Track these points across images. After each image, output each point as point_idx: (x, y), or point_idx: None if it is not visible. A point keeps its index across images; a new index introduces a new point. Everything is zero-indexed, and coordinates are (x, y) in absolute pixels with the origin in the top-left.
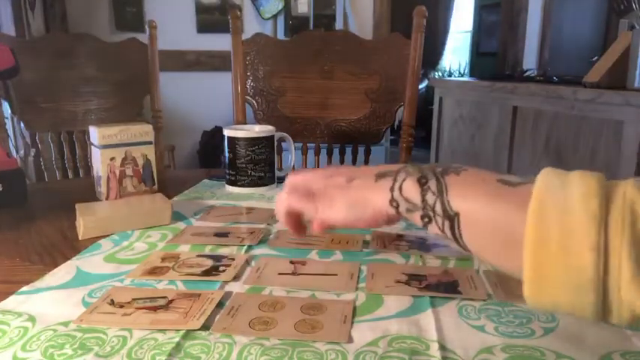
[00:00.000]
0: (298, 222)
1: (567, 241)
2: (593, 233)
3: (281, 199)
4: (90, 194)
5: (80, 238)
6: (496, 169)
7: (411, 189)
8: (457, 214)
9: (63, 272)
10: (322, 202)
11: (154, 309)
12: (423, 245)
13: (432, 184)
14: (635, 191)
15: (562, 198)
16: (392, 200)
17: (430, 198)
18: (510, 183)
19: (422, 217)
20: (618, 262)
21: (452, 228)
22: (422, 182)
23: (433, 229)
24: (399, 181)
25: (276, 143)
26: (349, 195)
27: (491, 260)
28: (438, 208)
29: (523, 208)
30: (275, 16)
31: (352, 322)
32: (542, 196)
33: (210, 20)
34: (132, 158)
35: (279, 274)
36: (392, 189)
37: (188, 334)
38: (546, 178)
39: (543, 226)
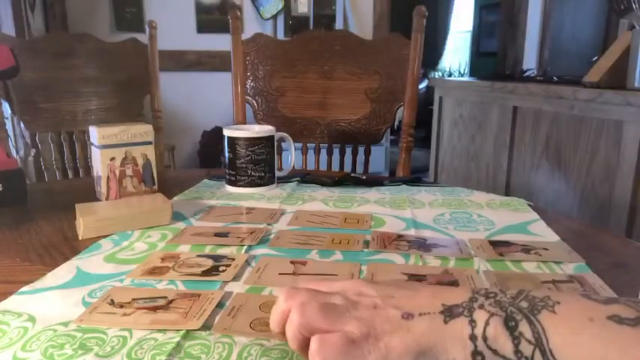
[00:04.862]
0: None
1: None
2: None
3: (315, 352)
4: (90, 194)
5: (80, 238)
6: (496, 169)
7: (499, 337)
8: None
9: (63, 272)
10: (372, 351)
11: (154, 309)
12: (423, 245)
13: (525, 328)
14: None
15: None
16: (475, 353)
17: (526, 348)
18: (627, 320)
19: None
20: None
21: None
22: (511, 327)
23: None
24: (481, 326)
25: (276, 143)
26: (412, 340)
27: None
28: None
29: None
30: (275, 16)
31: None
32: None
33: (210, 20)
34: (132, 158)
35: (280, 274)
36: (473, 337)
37: (188, 334)
38: None
39: None
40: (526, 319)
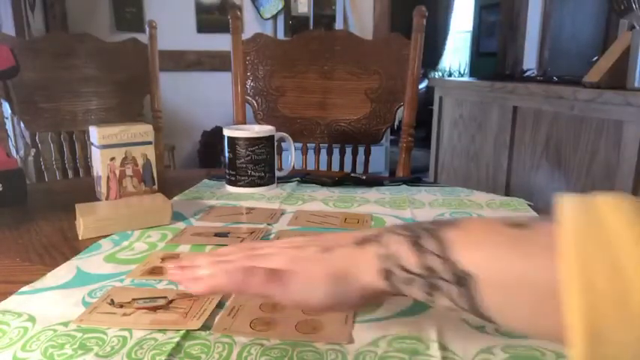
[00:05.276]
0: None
1: (623, 283)
2: None
3: (237, 280)
4: (90, 194)
5: (80, 238)
6: (496, 169)
7: (405, 253)
8: (470, 277)
9: (63, 272)
10: (293, 281)
11: (154, 309)
12: None
13: (429, 243)
14: None
15: (599, 230)
16: (384, 271)
17: (432, 261)
18: (522, 225)
19: (425, 288)
20: None
21: (467, 295)
22: (417, 243)
23: (441, 302)
24: (388, 246)
25: (276, 143)
26: (327, 268)
27: (525, 327)
28: (445, 272)
29: (552, 253)
30: (275, 16)
31: (353, 323)
32: (575, 232)
33: (210, 20)
34: (132, 158)
35: None
36: (382, 257)
37: (188, 334)
38: (570, 209)
39: (586, 270)
40: (431, 235)
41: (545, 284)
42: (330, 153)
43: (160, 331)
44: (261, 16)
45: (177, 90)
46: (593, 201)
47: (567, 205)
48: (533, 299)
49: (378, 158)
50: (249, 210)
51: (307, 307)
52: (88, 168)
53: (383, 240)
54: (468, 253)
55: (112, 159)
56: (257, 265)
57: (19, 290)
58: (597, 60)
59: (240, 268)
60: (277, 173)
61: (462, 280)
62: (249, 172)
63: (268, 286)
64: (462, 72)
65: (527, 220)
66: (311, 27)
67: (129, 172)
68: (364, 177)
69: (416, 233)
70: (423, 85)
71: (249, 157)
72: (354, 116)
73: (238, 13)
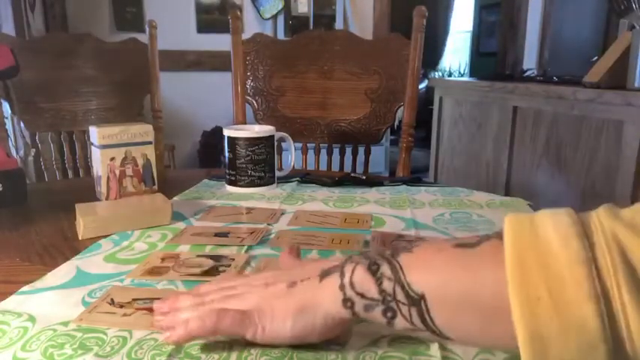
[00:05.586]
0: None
1: (560, 293)
2: (585, 278)
3: (211, 323)
4: (90, 194)
5: (80, 238)
6: (496, 169)
7: (364, 281)
8: (422, 297)
9: (63, 272)
10: (262, 320)
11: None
12: None
13: (385, 268)
14: (611, 220)
15: (539, 246)
16: (345, 300)
17: (388, 286)
18: (469, 244)
19: (384, 312)
20: (620, 303)
21: (421, 314)
22: (373, 270)
23: (401, 324)
24: (348, 275)
25: (276, 143)
26: (292, 303)
27: (477, 339)
28: (400, 295)
29: (495, 268)
30: (275, 16)
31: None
32: (517, 248)
33: (210, 20)
34: (132, 158)
35: None
36: (342, 286)
37: None
38: (513, 226)
39: (528, 282)
40: (387, 262)
41: (491, 298)
42: (330, 153)
43: (159, 331)
44: (261, 16)
45: (177, 90)
46: (534, 217)
47: (511, 224)
48: (481, 312)
49: (378, 158)
50: (249, 210)
51: (278, 341)
52: (88, 168)
53: (344, 270)
54: (419, 275)
55: (112, 159)
56: (230, 307)
57: (19, 290)
58: (597, 60)
59: (213, 311)
60: (277, 173)
61: (416, 300)
62: (249, 172)
63: (240, 327)
64: (462, 72)
65: (476, 239)
66: (311, 27)
67: (129, 172)
68: (364, 177)
69: (373, 261)
70: (423, 85)
71: (249, 157)
72: (354, 116)
73: (238, 13)
